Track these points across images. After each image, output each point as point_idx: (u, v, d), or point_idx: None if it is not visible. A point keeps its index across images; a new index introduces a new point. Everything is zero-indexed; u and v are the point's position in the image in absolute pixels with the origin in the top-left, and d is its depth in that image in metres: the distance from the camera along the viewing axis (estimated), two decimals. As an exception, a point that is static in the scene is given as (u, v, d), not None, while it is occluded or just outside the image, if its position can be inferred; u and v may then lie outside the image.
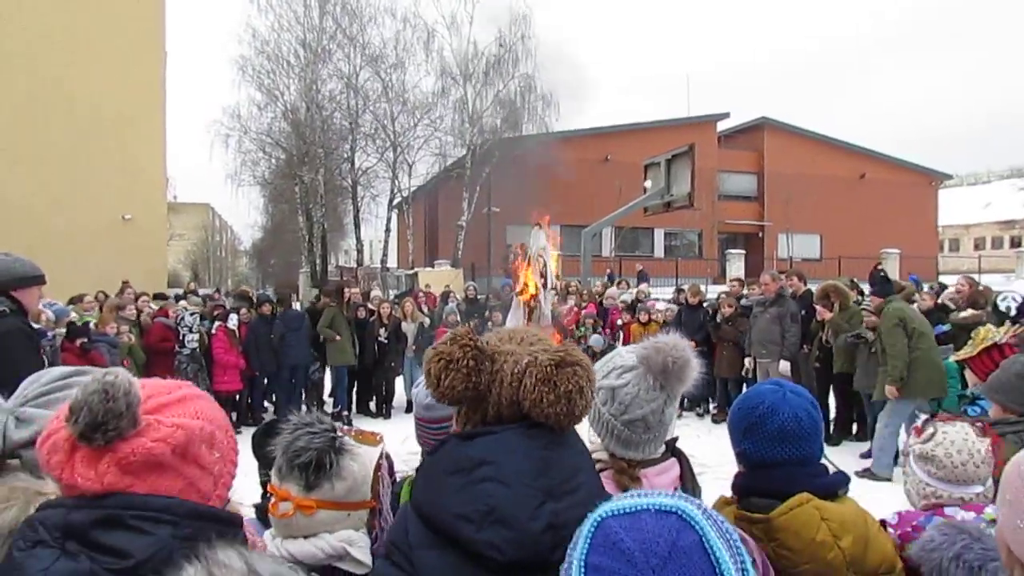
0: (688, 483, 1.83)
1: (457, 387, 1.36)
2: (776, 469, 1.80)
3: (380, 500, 1.65)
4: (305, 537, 1.54)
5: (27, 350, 3.68)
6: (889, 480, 6.89)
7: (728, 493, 1.93)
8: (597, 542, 0.98)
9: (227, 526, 1.13)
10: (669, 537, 0.94)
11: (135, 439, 1.07)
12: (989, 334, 2.97)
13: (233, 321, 9.78)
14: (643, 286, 14.20)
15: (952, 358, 3.85)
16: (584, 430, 1.74)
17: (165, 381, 1.20)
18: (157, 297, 12.00)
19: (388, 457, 1.76)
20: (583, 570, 0.97)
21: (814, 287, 9.39)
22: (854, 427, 8.80)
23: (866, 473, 7.18)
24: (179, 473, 1.12)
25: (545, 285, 6.76)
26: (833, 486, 1.82)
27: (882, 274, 7.96)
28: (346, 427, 1.70)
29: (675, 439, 1.89)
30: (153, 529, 1.05)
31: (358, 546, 1.53)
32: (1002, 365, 2.92)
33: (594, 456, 1.77)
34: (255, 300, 11.09)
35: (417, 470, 1.47)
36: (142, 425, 1.08)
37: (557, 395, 1.32)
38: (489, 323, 11.09)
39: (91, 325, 8.30)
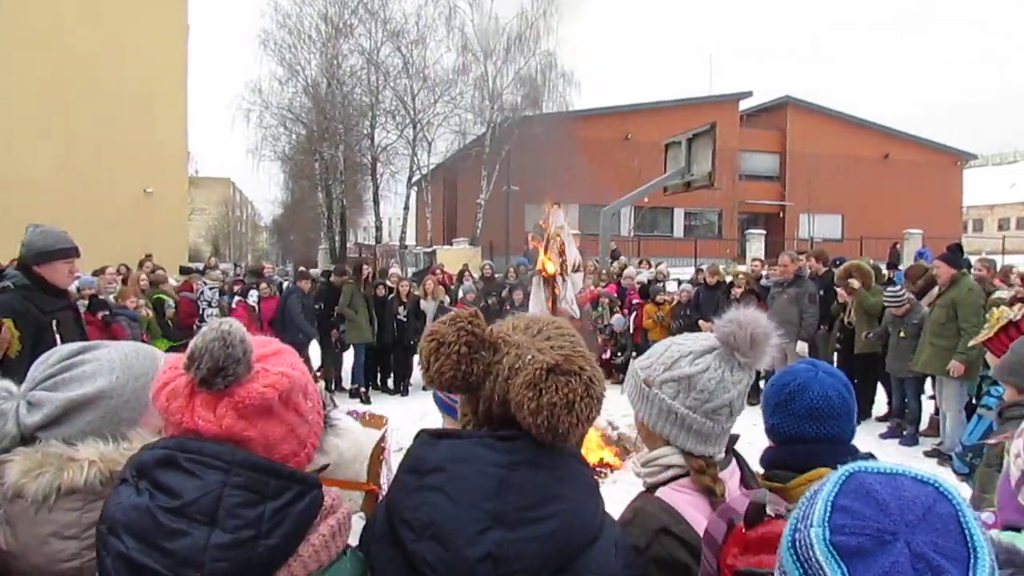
0: (751, 485, 1.66)
1: (446, 373, 1.24)
2: (801, 445, 1.83)
3: (380, 485, 1.62)
4: None
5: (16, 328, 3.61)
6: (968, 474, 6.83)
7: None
8: (848, 488, 0.93)
9: (288, 481, 1.14)
10: (926, 501, 0.90)
11: (249, 384, 1.13)
12: (1003, 313, 2.93)
13: (253, 297, 9.88)
14: (662, 266, 14.14)
15: (972, 341, 3.81)
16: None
17: (257, 336, 1.26)
18: (183, 271, 12.11)
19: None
20: (829, 509, 0.92)
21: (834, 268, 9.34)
22: (873, 409, 8.79)
23: (934, 453, 7.20)
24: (282, 419, 1.18)
25: (564, 267, 6.73)
26: None
27: (957, 244, 7.71)
28: (357, 410, 1.68)
29: (736, 437, 1.72)
30: (204, 473, 1.09)
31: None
32: (1012, 347, 2.90)
33: (662, 461, 1.63)
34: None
35: None
36: (254, 371, 1.15)
37: (539, 404, 1.15)
38: (509, 303, 11.12)
39: (112, 298, 8.42)
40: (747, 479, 1.66)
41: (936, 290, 7.54)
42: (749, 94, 34.90)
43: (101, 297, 8.16)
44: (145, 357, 1.43)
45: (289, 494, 1.13)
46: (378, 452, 1.63)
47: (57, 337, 3.71)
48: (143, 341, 8.40)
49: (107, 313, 7.91)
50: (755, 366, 1.60)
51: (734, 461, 1.67)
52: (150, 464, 1.11)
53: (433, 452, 1.22)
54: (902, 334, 7.69)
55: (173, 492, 1.08)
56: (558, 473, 1.21)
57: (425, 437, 1.27)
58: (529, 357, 1.23)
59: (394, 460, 1.78)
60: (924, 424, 8.04)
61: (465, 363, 1.24)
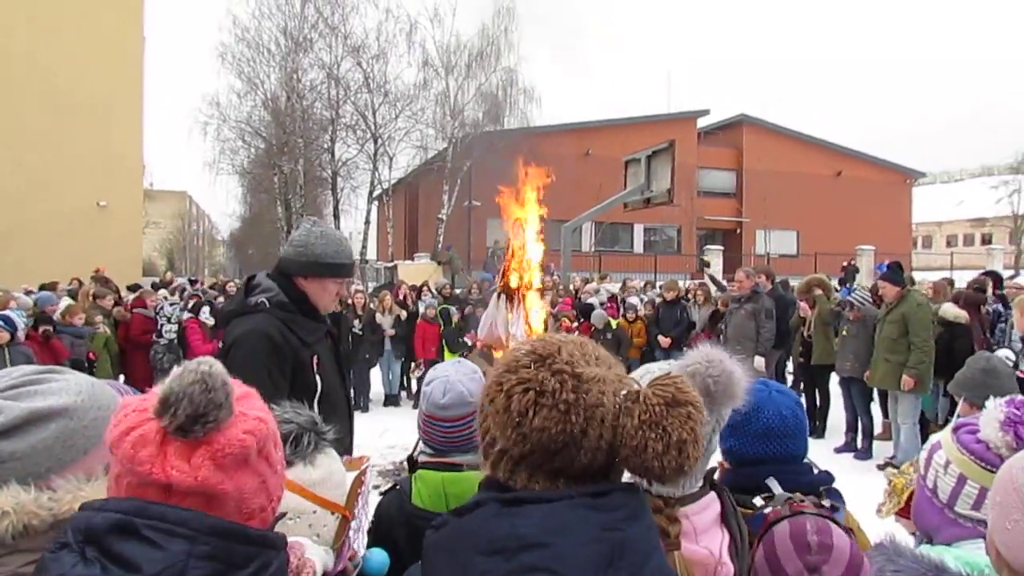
0: (731, 520, 1.59)
1: (552, 429, 1.04)
2: (761, 466, 1.85)
3: (354, 514, 1.60)
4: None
5: (262, 362, 2.63)
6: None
7: None
8: None
9: (258, 547, 1.04)
10: None
11: (228, 430, 1.04)
12: (906, 481, 2.91)
13: (205, 313, 9.69)
14: (635, 283, 14.26)
15: (883, 515, 3.76)
16: None
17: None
18: (132, 288, 11.86)
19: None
20: None
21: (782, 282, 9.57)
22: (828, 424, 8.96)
23: (887, 466, 7.34)
24: (255, 470, 1.08)
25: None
26: (816, 484, 1.87)
27: (897, 263, 8.00)
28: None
29: (713, 470, 1.70)
30: (166, 543, 0.97)
31: (309, 554, 1.42)
32: (968, 361, 2.99)
33: None
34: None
35: (427, 530, 1.13)
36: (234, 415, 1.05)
37: (667, 444, 1.03)
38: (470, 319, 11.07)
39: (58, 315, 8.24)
40: (727, 515, 1.59)
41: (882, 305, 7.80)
42: (706, 112, 35.55)
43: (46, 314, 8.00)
44: (108, 391, 1.33)
45: (257, 562, 1.03)
46: (357, 483, 1.62)
47: (317, 379, 2.77)
48: (91, 359, 8.27)
49: (49, 328, 7.72)
50: (722, 413, 1.55)
51: (712, 495, 1.60)
52: (102, 530, 0.98)
53: (522, 524, 1.02)
54: (845, 332, 8.06)
55: (130, 564, 0.96)
56: (649, 520, 1.11)
57: (495, 507, 1.05)
58: (624, 392, 1.09)
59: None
60: (878, 429, 8.30)
61: (574, 414, 1.05)
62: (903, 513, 3.15)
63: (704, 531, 1.53)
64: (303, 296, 2.79)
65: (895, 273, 7.66)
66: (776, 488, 1.73)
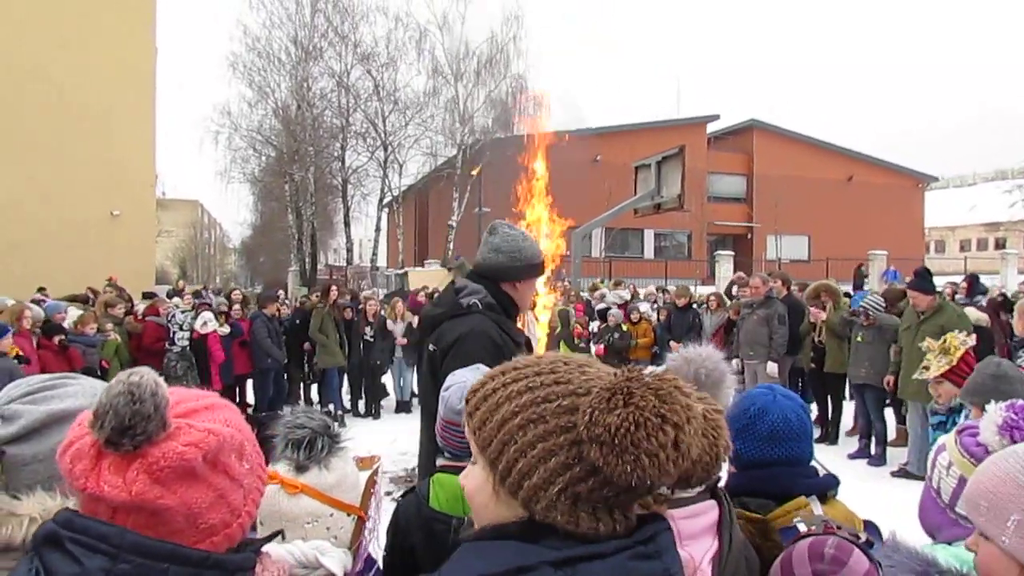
0: (724, 531, 1.52)
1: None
2: (767, 469, 1.86)
3: (368, 515, 1.63)
4: (281, 537, 1.45)
5: (485, 361, 2.57)
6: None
7: None
8: None
9: (195, 568, 0.99)
10: None
11: (165, 443, 0.98)
12: (958, 342, 2.90)
13: (213, 323, 9.74)
14: (647, 289, 14.26)
15: (931, 373, 3.74)
16: None
17: (192, 389, 1.14)
18: (146, 296, 11.94)
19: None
20: None
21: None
22: (841, 428, 8.91)
23: (901, 472, 7.27)
24: (209, 483, 1.03)
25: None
26: (823, 488, 1.87)
27: (925, 269, 7.59)
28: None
29: (717, 479, 1.61)
30: (86, 558, 0.94)
31: (330, 556, 1.43)
32: (977, 367, 2.94)
33: None
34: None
35: None
36: (171, 428, 1.00)
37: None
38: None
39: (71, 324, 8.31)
40: (722, 525, 1.53)
41: (906, 312, 7.58)
42: (716, 117, 35.53)
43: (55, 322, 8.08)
44: None
45: None
46: (370, 484, 1.65)
47: None
48: (104, 367, 8.33)
49: (63, 337, 7.77)
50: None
51: (710, 503, 1.55)
52: (39, 540, 0.98)
53: None
54: (860, 338, 7.92)
55: (52, 575, 0.95)
56: None
57: (548, 571, 0.92)
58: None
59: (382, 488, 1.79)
60: (892, 435, 8.23)
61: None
62: (953, 376, 3.04)
63: (691, 537, 1.48)
64: (508, 298, 2.85)
65: (925, 280, 7.28)
66: (818, 509, 1.74)
